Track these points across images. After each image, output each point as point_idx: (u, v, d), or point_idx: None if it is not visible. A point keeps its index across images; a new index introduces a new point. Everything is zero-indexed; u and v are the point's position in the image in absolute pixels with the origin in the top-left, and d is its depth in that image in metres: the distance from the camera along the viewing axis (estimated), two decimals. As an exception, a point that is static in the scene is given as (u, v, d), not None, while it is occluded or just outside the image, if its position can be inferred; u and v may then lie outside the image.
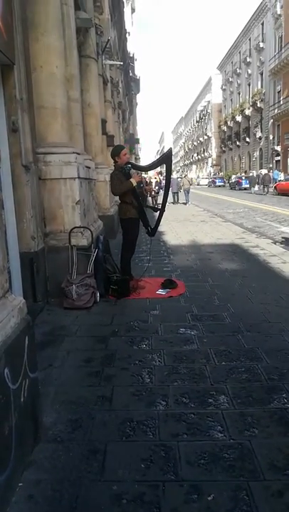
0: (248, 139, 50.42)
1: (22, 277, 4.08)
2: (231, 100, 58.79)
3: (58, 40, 4.84)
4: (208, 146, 73.17)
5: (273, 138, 41.76)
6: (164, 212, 5.52)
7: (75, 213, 4.84)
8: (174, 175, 35.86)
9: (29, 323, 2.15)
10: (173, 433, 2.24)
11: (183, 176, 25.61)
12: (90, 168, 5.97)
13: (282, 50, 38.39)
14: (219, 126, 63.54)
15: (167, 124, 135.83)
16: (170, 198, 21.30)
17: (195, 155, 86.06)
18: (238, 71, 54.18)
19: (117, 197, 5.26)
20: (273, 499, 1.78)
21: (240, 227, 11.17)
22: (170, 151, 5.23)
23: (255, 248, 7.70)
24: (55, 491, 1.86)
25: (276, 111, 40.30)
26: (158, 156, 14.96)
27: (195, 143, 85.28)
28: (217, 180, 50.51)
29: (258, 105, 45.50)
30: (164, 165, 5.25)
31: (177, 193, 21.98)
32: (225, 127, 59.84)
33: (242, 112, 51.18)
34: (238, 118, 52.63)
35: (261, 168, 40.23)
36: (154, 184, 17.36)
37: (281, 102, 39.24)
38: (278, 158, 40.39)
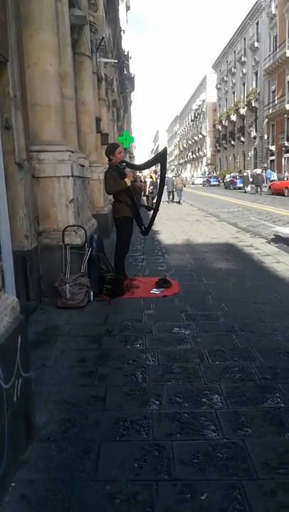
0: (242, 139, 50.57)
1: (15, 276, 4.04)
2: (226, 99, 58.92)
3: (52, 38, 4.82)
4: (202, 145, 73.26)
5: (268, 137, 41.92)
6: (158, 212, 5.51)
7: (68, 212, 4.82)
8: (169, 174, 35.91)
9: (22, 323, 2.14)
10: (166, 432, 2.24)
11: (176, 175, 25.62)
12: (84, 166, 5.94)
13: (277, 50, 38.54)
14: (214, 126, 63.66)
15: (162, 123, 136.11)
16: (165, 197, 21.34)
17: (190, 154, 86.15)
18: (232, 70, 54.29)
19: (111, 195, 5.24)
20: (266, 498, 1.79)
21: (235, 227, 11.20)
22: (165, 150, 5.22)
23: (249, 248, 7.72)
24: (48, 490, 1.85)
25: (271, 110, 40.46)
26: (153, 155, 14.95)
27: (190, 142, 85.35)
28: (212, 180, 50.54)
29: (253, 105, 45.65)
30: (159, 164, 5.24)
31: (172, 192, 22.00)
32: (220, 126, 59.97)
33: (237, 111, 51.32)
34: (233, 117, 52.77)
35: (256, 167, 40.36)
36: (148, 183, 17.28)
37: (276, 102, 39.39)
38: (273, 157, 40.57)
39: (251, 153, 48.18)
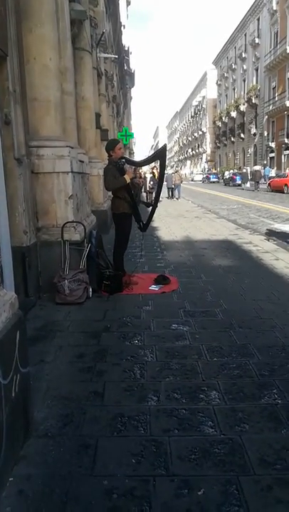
0: (242, 135, 50.48)
1: (14, 272, 4.04)
2: (226, 96, 58.75)
3: (52, 32, 4.78)
4: (202, 141, 73.11)
5: (268, 134, 41.84)
6: (158, 208, 5.51)
7: (67, 208, 4.81)
8: (169, 170, 35.89)
9: (21, 318, 2.14)
10: (164, 428, 2.24)
11: (174, 171, 25.60)
12: (83, 162, 5.93)
13: (278, 46, 38.40)
14: (214, 122, 63.51)
15: (162, 119, 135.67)
16: (165, 193, 21.31)
17: (189, 150, 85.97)
18: (233, 66, 54.10)
19: (110, 192, 5.23)
20: (263, 493, 1.80)
21: (234, 224, 11.19)
22: (164, 147, 5.21)
23: (248, 245, 7.72)
24: (46, 485, 1.86)
25: (271, 107, 40.36)
26: (152, 151, 14.91)
27: (190, 138, 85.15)
28: (211, 176, 50.49)
29: (253, 101, 45.53)
30: (158, 160, 5.23)
31: (172, 188, 21.98)
32: (220, 123, 59.83)
33: (237, 107, 51.17)
34: (233, 114, 52.64)
35: (256, 164, 40.32)
36: (148, 179, 17.23)
37: (276, 99, 39.29)
38: (272, 154, 40.50)
39: (251, 150, 48.10)
